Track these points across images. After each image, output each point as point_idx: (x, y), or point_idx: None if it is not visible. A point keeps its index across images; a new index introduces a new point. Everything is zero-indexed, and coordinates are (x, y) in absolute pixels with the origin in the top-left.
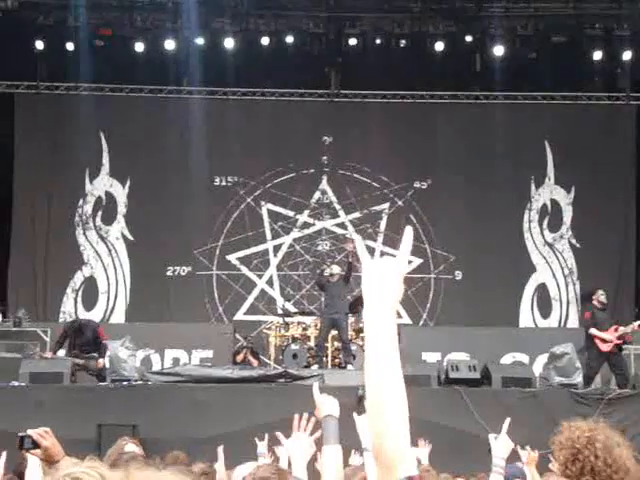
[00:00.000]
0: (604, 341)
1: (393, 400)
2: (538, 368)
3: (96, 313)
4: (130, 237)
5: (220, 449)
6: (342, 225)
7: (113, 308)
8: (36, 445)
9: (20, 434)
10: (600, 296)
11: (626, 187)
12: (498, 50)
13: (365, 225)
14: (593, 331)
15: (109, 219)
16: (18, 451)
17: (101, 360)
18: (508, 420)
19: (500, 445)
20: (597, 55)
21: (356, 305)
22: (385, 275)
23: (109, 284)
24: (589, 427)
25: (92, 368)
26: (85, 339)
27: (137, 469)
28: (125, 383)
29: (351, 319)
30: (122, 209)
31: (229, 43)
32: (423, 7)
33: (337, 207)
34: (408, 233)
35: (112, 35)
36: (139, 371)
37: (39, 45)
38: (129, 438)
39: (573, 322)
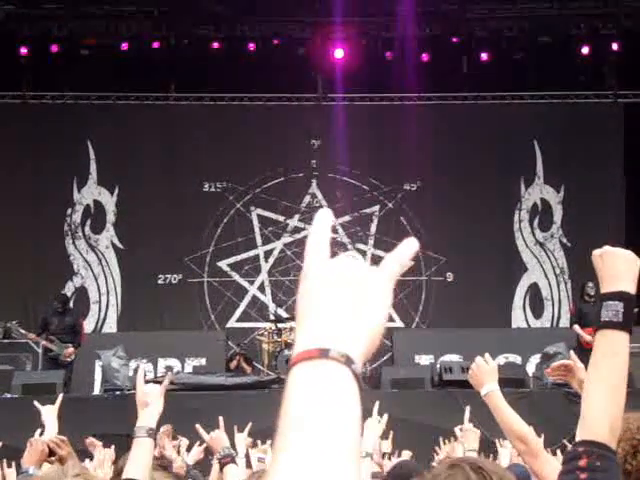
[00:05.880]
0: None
1: None
2: (531, 368)
3: (88, 323)
4: (120, 246)
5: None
6: (333, 229)
7: (105, 318)
8: (52, 453)
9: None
10: (587, 289)
11: (614, 185)
12: (484, 52)
13: (356, 228)
14: (575, 327)
15: (98, 228)
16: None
17: (71, 349)
18: (468, 408)
19: (467, 437)
20: (583, 54)
21: None
22: (350, 284)
23: (100, 294)
24: None
25: (62, 358)
26: (65, 324)
27: None
28: (118, 393)
29: None
30: (111, 217)
31: (215, 49)
32: (409, 10)
33: None
34: (411, 244)
35: (97, 44)
36: (132, 380)
37: (24, 55)
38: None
39: (565, 322)
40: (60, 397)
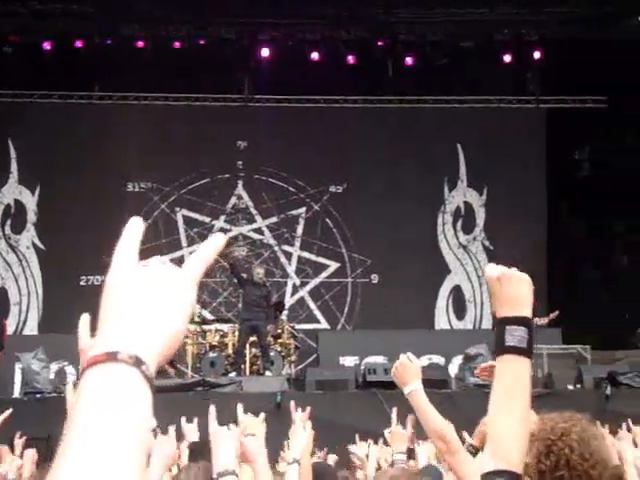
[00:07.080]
0: None
1: None
2: (454, 369)
3: (8, 325)
4: (41, 246)
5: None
6: (259, 230)
7: (26, 319)
8: None
9: None
10: None
11: (536, 189)
12: (409, 56)
13: (282, 230)
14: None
15: (19, 228)
16: None
17: None
18: (395, 410)
19: (395, 439)
20: (507, 60)
21: (274, 311)
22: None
23: (21, 295)
24: (563, 419)
25: None
26: None
27: None
28: (38, 395)
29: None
30: (32, 217)
31: (141, 48)
32: (335, 13)
33: (253, 212)
34: (215, 241)
35: (20, 42)
36: (53, 383)
37: None
38: None
39: (487, 323)
40: (7, 412)
